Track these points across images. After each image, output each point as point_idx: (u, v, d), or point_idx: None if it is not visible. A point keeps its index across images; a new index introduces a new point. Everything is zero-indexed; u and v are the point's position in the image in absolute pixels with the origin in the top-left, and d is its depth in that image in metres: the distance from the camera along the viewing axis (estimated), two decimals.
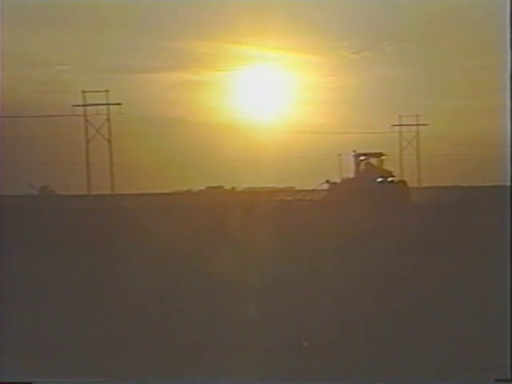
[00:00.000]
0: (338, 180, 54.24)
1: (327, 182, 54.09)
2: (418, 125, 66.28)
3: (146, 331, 8.61)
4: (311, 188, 56.90)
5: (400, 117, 68.85)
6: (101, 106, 52.70)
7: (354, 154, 54.46)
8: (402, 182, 54.45)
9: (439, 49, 74.83)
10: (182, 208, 40.45)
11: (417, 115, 69.66)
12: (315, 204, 49.40)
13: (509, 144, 7.83)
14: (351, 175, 54.32)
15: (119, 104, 52.90)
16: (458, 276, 13.47)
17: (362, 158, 54.11)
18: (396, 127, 68.34)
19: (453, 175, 54.31)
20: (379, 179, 52.84)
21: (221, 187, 64.71)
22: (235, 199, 54.06)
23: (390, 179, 53.05)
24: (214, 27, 70.27)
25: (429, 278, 13.32)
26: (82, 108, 54.17)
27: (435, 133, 63.79)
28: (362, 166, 54.04)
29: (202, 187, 64.58)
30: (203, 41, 56.24)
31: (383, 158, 55.06)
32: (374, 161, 54.36)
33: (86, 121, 52.88)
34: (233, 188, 65.01)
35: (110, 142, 54.33)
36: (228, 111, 70.93)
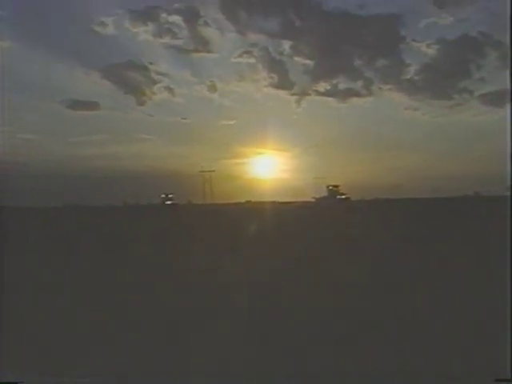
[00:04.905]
0: (318, 197, 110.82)
1: (313, 198, 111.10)
2: (322, 177, 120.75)
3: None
4: (292, 200, 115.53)
5: (316, 174, 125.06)
6: (208, 172, 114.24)
7: (326, 185, 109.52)
8: (348, 198, 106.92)
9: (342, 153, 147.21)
10: (247, 207, 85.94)
11: (324, 176, 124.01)
12: (310, 207, 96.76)
13: (509, 144, 7.57)
14: (325, 195, 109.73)
15: (213, 171, 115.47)
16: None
17: (330, 187, 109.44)
18: (315, 179, 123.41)
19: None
20: (338, 196, 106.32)
21: (250, 200, 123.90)
22: (266, 205, 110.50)
23: (343, 197, 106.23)
24: (248, 142, 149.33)
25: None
26: (201, 173, 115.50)
27: (327, 181, 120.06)
28: (330, 190, 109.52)
29: (243, 200, 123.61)
30: (243, 147, 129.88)
31: (339, 186, 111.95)
32: (335, 188, 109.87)
33: (203, 177, 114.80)
34: (253, 201, 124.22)
35: (211, 184, 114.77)
36: (254, 173, 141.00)
